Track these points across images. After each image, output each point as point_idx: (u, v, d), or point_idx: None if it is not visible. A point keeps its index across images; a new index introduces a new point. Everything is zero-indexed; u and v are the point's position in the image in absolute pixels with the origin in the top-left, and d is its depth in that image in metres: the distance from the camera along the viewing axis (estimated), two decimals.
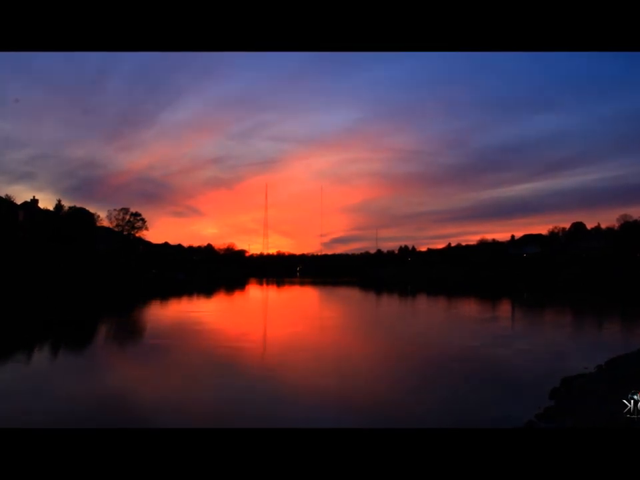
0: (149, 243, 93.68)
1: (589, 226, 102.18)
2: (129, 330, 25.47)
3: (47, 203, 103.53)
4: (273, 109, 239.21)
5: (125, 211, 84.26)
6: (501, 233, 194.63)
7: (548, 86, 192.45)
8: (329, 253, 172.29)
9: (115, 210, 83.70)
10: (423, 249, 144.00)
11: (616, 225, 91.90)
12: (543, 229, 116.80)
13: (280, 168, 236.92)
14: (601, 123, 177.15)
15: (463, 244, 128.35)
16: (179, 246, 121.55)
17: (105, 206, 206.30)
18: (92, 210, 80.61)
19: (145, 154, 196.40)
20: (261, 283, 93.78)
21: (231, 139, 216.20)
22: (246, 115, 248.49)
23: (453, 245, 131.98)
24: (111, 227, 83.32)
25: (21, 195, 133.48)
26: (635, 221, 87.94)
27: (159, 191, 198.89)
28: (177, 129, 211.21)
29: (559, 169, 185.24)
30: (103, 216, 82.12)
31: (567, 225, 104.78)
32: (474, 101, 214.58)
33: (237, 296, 58.25)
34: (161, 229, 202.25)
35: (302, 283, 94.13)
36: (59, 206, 76.58)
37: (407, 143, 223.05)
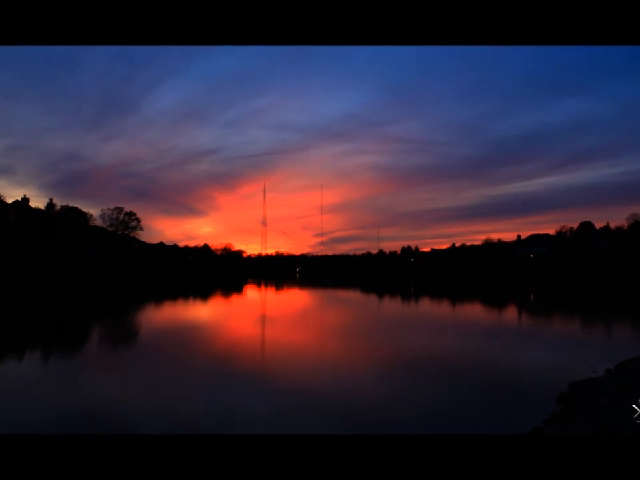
0: (143, 243, 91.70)
1: (598, 225, 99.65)
2: (121, 334, 24.65)
3: (31, 199, 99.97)
4: (269, 92, 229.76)
5: (119, 210, 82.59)
6: (507, 232, 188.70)
7: (572, 70, 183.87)
8: (329, 253, 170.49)
9: (108, 209, 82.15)
10: (426, 249, 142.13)
11: (625, 224, 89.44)
12: (550, 228, 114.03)
13: (278, 161, 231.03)
14: (622, 113, 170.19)
15: (468, 244, 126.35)
16: (175, 246, 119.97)
17: (93, 202, 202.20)
18: (79, 207, 78.46)
19: (131, 145, 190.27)
20: (259, 285, 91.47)
21: (225, 128, 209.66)
22: (239, 99, 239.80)
23: (457, 244, 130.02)
24: (104, 226, 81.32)
25: (1, 191, 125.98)
26: None
27: (150, 187, 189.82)
28: (165, 116, 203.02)
29: (580, 161, 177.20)
30: (95, 214, 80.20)
31: (575, 225, 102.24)
32: (493, 85, 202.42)
33: (234, 300, 56.01)
34: (154, 228, 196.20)
35: (302, 286, 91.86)
36: (50, 205, 74.71)
37: (416, 132, 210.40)
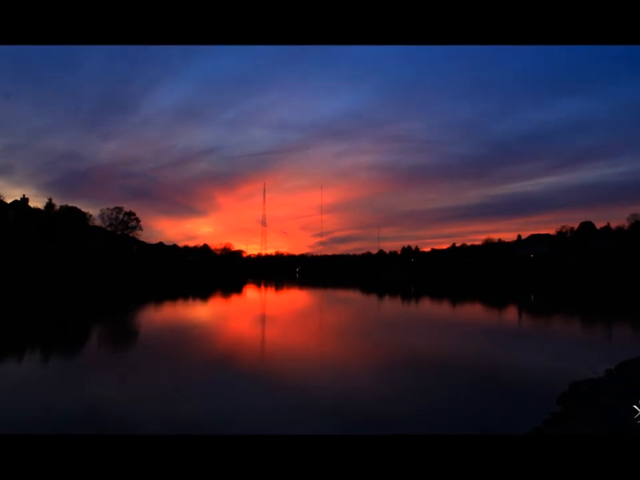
0: (143, 243, 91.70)
1: (598, 225, 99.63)
2: (120, 334, 24.56)
3: (30, 199, 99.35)
4: (269, 92, 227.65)
5: (119, 210, 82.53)
6: (507, 232, 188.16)
7: (572, 70, 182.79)
8: (329, 253, 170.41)
9: (108, 209, 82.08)
10: (427, 249, 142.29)
11: (626, 224, 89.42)
12: (551, 228, 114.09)
13: (277, 161, 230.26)
14: (622, 113, 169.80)
15: (468, 244, 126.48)
16: (174, 246, 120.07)
17: (93, 202, 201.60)
18: (78, 207, 78.36)
19: (131, 144, 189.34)
20: (259, 285, 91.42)
21: (225, 128, 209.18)
22: (239, 99, 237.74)
23: (457, 244, 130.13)
24: (103, 226, 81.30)
25: (0, 190, 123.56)
26: None
27: (150, 187, 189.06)
28: (164, 115, 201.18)
29: (580, 161, 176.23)
30: (95, 214, 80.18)
31: (575, 225, 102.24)
32: (493, 85, 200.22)
33: (234, 300, 56.00)
34: (154, 228, 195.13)
35: (301, 286, 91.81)
36: (49, 204, 74.65)
37: (416, 131, 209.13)
